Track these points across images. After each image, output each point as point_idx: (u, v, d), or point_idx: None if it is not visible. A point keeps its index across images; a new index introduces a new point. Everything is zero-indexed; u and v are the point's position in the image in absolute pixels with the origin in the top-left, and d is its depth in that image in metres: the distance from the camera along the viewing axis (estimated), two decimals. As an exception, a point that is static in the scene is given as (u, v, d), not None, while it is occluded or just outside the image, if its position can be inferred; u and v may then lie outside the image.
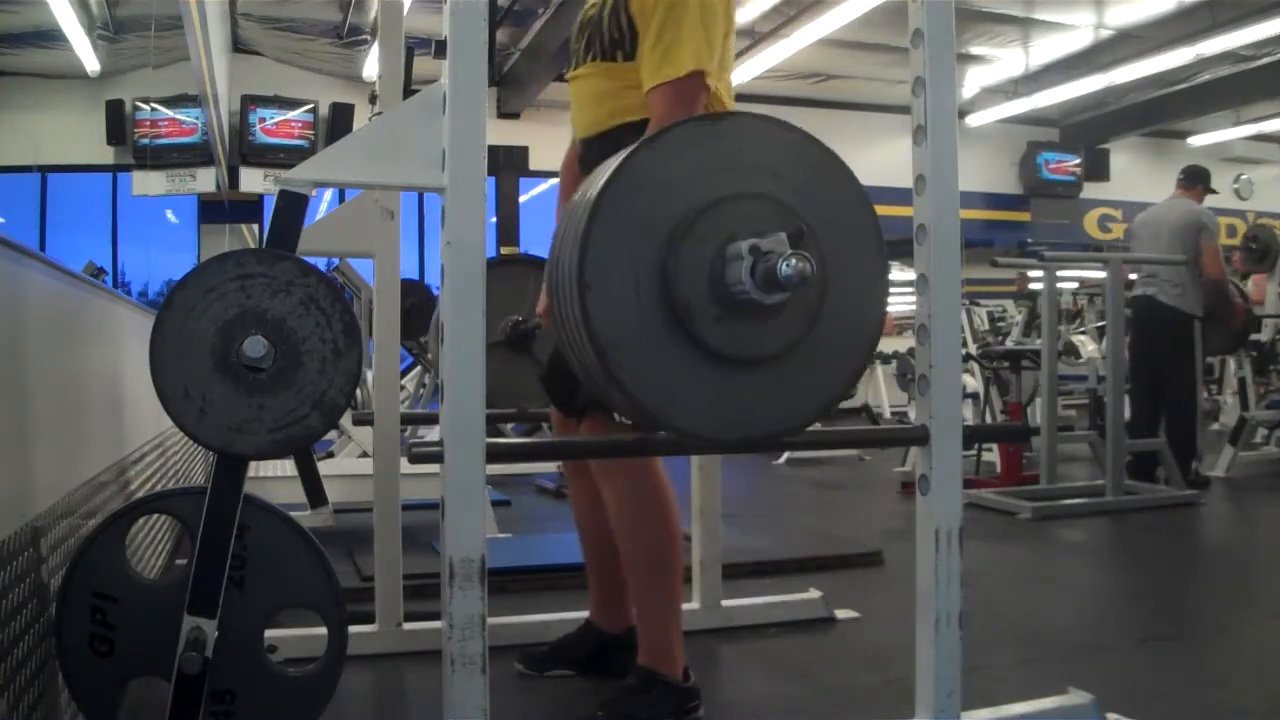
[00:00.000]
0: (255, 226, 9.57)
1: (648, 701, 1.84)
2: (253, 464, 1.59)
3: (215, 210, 9.25)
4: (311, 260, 1.57)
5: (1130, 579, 3.28)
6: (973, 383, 5.69)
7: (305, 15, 8.23)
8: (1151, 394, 4.81)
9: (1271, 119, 10.86)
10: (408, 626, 2.30)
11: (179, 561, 2.79)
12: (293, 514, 1.63)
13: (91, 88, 8.61)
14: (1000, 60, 9.54)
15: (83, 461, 1.88)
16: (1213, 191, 4.96)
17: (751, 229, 1.35)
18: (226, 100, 8.23)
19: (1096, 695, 1.75)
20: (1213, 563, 3.59)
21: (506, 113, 9.64)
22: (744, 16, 8.18)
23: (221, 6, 7.19)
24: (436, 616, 1.40)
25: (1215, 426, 7.12)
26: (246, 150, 9.00)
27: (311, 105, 9.18)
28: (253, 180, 9.08)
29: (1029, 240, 11.26)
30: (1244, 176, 12.90)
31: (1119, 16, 8.42)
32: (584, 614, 2.21)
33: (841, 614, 2.60)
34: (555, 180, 2.21)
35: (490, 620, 1.36)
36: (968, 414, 5.50)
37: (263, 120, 9.05)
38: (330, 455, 4.96)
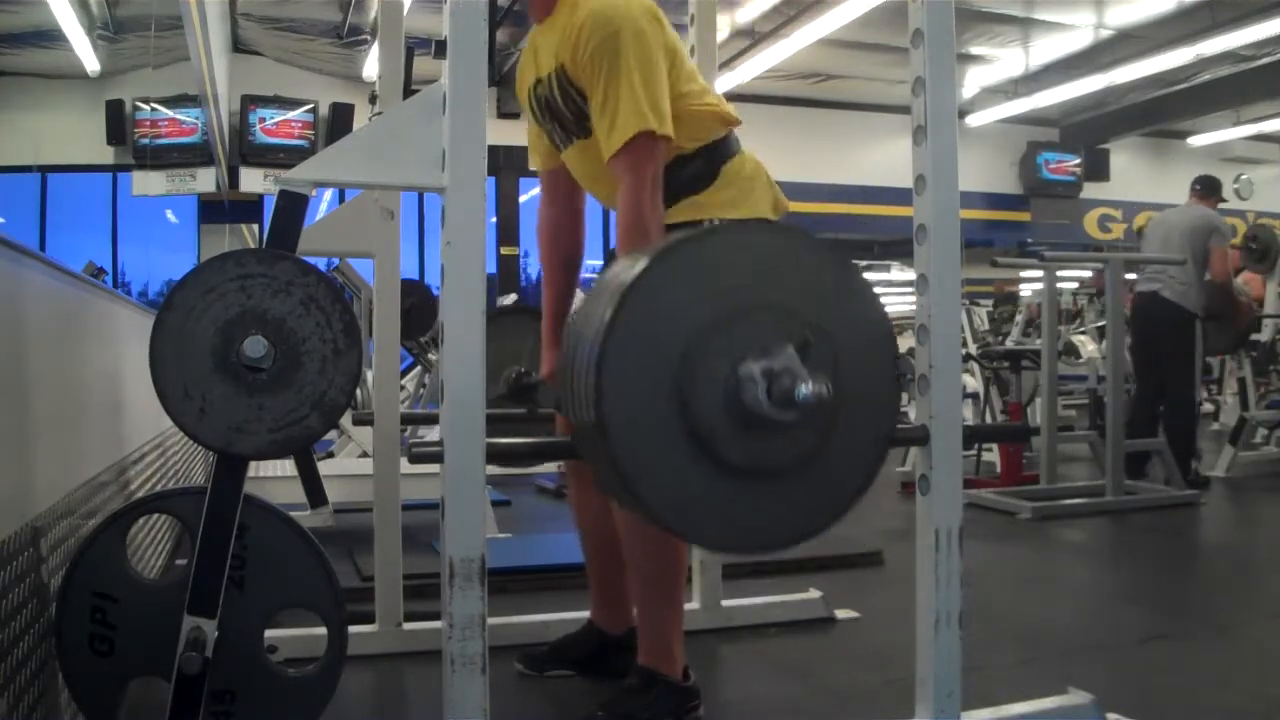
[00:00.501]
0: (255, 226, 9.58)
1: (648, 701, 1.84)
2: (253, 464, 1.58)
3: (215, 210, 9.26)
4: (311, 260, 1.57)
5: (1130, 579, 3.28)
6: (973, 383, 5.69)
7: (305, 15, 8.24)
8: (1155, 391, 4.85)
9: (1271, 119, 10.86)
10: (408, 626, 2.30)
11: (179, 561, 2.79)
12: (293, 514, 1.63)
13: (91, 88, 8.61)
14: (1000, 60, 9.55)
15: (83, 461, 1.88)
16: (1223, 201, 5.08)
17: (760, 345, 1.33)
18: (226, 100, 8.23)
19: (1096, 695, 1.75)
20: (1213, 563, 3.59)
21: (506, 113, 9.61)
22: (744, 16, 8.19)
23: (221, 6, 7.19)
24: (436, 616, 1.40)
25: (1215, 426, 7.12)
26: (246, 150, 9.00)
27: (311, 105, 9.19)
28: (253, 180, 9.08)
29: (1029, 240, 11.28)
30: (1244, 176, 12.90)
31: (1119, 16, 8.42)
32: (584, 614, 2.21)
33: (841, 614, 2.60)
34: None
35: (490, 620, 1.36)
36: (968, 414, 5.50)
37: (263, 120, 9.05)
38: (330, 455, 4.96)
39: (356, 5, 7.88)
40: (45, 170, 8.88)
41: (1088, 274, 7.74)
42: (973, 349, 5.80)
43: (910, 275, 1.58)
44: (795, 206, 2.15)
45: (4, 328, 1.39)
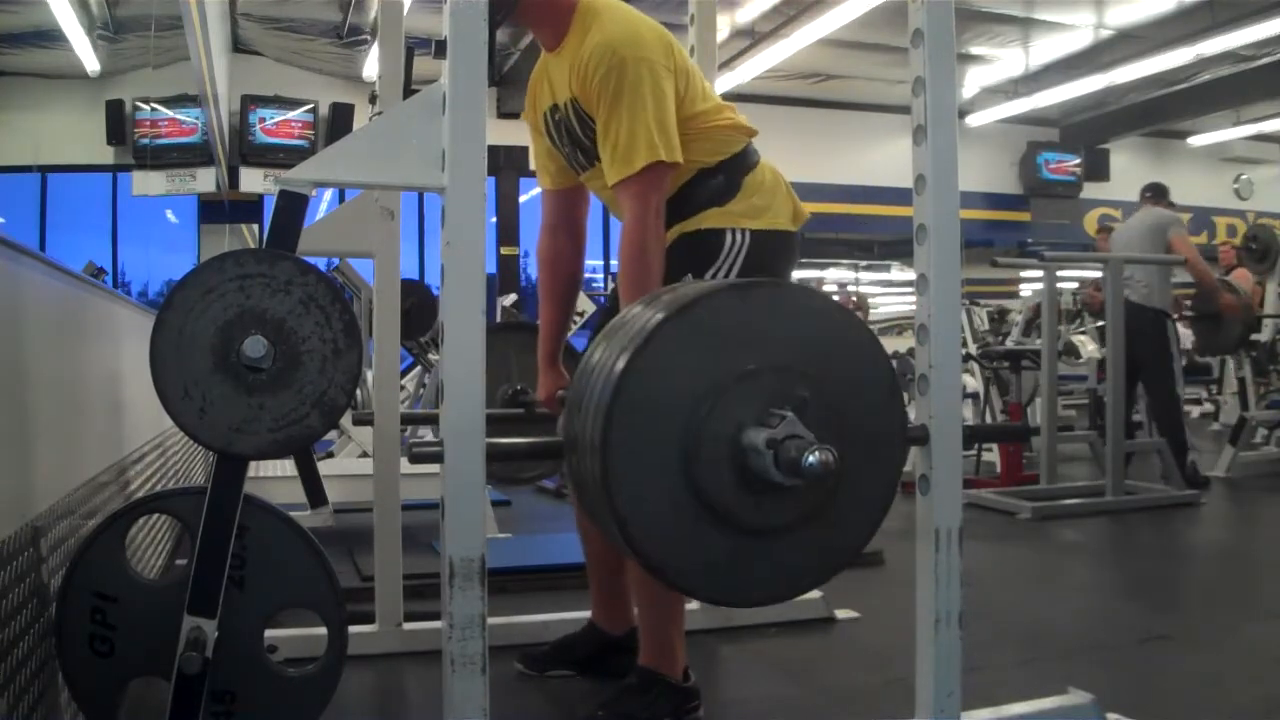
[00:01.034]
0: (255, 226, 9.58)
1: (648, 701, 1.84)
2: (253, 464, 1.58)
3: (215, 210, 9.25)
4: (311, 260, 1.57)
5: (1130, 579, 3.28)
6: (973, 383, 5.69)
7: (305, 15, 8.24)
8: (1130, 394, 4.91)
9: (1271, 119, 10.86)
10: (408, 626, 2.30)
11: (179, 561, 2.79)
12: (293, 514, 1.64)
13: (91, 88, 8.61)
14: (1000, 60, 9.54)
15: (83, 461, 1.88)
16: (1173, 205, 5.30)
17: (760, 410, 1.32)
18: (226, 100, 8.23)
19: (1096, 695, 1.75)
20: (1213, 563, 3.59)
21: (506, 113, 9.62)
22: (744, 16, 8.19)
23: (221, 6, 7.19)
24: (436, 616, 1.40)
25: (1215, 426, 7.12)
26: (246, 150, 9.00)
27: (311, 105, 9.19)
28: (253, 180, 9.08)
29: (1029, 240, 11.28)
30: (1244, 176, 12.91)
31: (1119, 16, 8.42)
32: (584, 614, 2.21)
33: (841, 614, 2.60)
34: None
35: (490, 620, 1.36)
36: (968, 414, 5.50)
37: (263, 120, 9.05)
38: (330, 455, 4.96)
39: (356, 5, 7.88)
40: (45, 170, 8.88)
41: (1088, 275, 7.73)
42: (973, 349, 5.79)
43: (910, 275, 1.58)
44: (796, 207, 2.15)
45: (4, 328, 1.39)
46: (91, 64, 8.09)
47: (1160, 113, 10.88)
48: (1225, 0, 7.67)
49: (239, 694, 1.52)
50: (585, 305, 5.26)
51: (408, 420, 3.20)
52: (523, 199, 9.89)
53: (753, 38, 8.29)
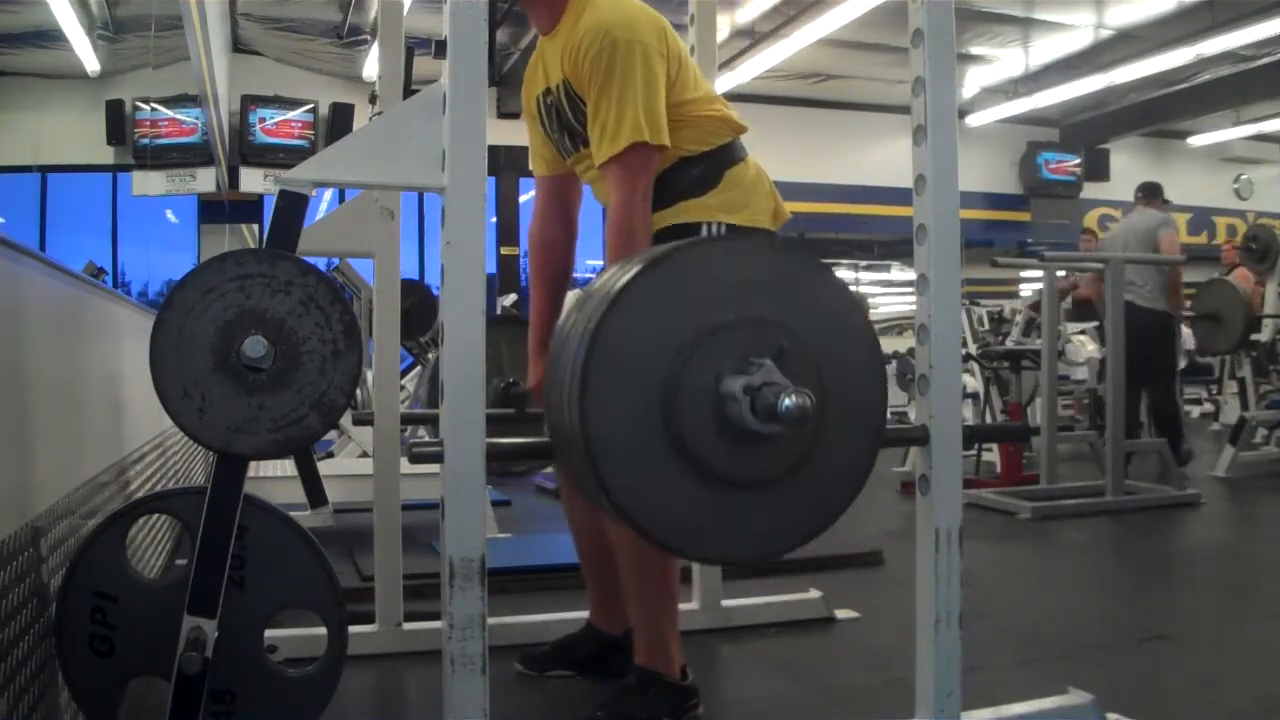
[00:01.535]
0: (255, 226, 9.58)
1: (646, 701, 1.84)
2: (253, 464, 1.58)
3: (215, 210, 9.25)
4: (311, 260, 1.57)
5: (1130, 579, 3.28)
6: (973, 383, 5.69)
7: (305, 15, 8.24)
8: (1136, 395, 5.18)
9: (1271, 119, 10.86)
10: (408, 626, 2.30)
11: (179, 561, 2.79)
12: (293, 514, 1.63)
13: (91, 88, 8.61)
14: (1000, 60, 9.54)
15: (83, 461, 1.88)
16: (1167, 202, 5.63)
17: (738, 359, 1.33)
18: (226, 100, 8.23)
19: (1096, 695, 1.75)
20: (1213, 563, 3.59)
21: (506, 113, 9.62)
22: (744, 16, 8.19)
23: (221, 6, 7.19)
24: (436, 616, 1.40)
25: (1215, 426, 7.12)
26: (246, 150, 9.00)
27: (311, 105, 9.18)
28: (253, 180, 9.08)
29: (1029, 240, 11.27)
30: (1244, 176, 12.91)
31: (1119, 16, 8.42)
32: (584, 614, 2.21)
33: (841, 614, 2.60)
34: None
35: (490, 620, 1.36)
36: (968, 414, 5.50)
37: (263, 120, 9.05)
38: (330, 455, 4.96)
39: (356, 5, 7.88)
40: (45, 170, 8.88)
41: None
42: (973, 349, 5.79)
43: (910, 275, 1.58)
44: (795, 207, 2.15)
45: (4, 328, 1.39)
46: (91, 64, 8.09)
47: (1160, 113, 10.88)
48: (1225, 0, 7.67)
49: (239, 694, 1.52)
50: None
51: (408, 420, 3.20)
52: (523, 199, 9.89)
53: (753, 38, 8.28)
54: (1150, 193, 5.55)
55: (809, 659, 2.33)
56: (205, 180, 8.86)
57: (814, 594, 2.62)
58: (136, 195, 8.85)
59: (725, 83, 8.06)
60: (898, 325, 9.74)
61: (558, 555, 3.03)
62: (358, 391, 3.55)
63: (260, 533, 1.53)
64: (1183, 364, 7.98)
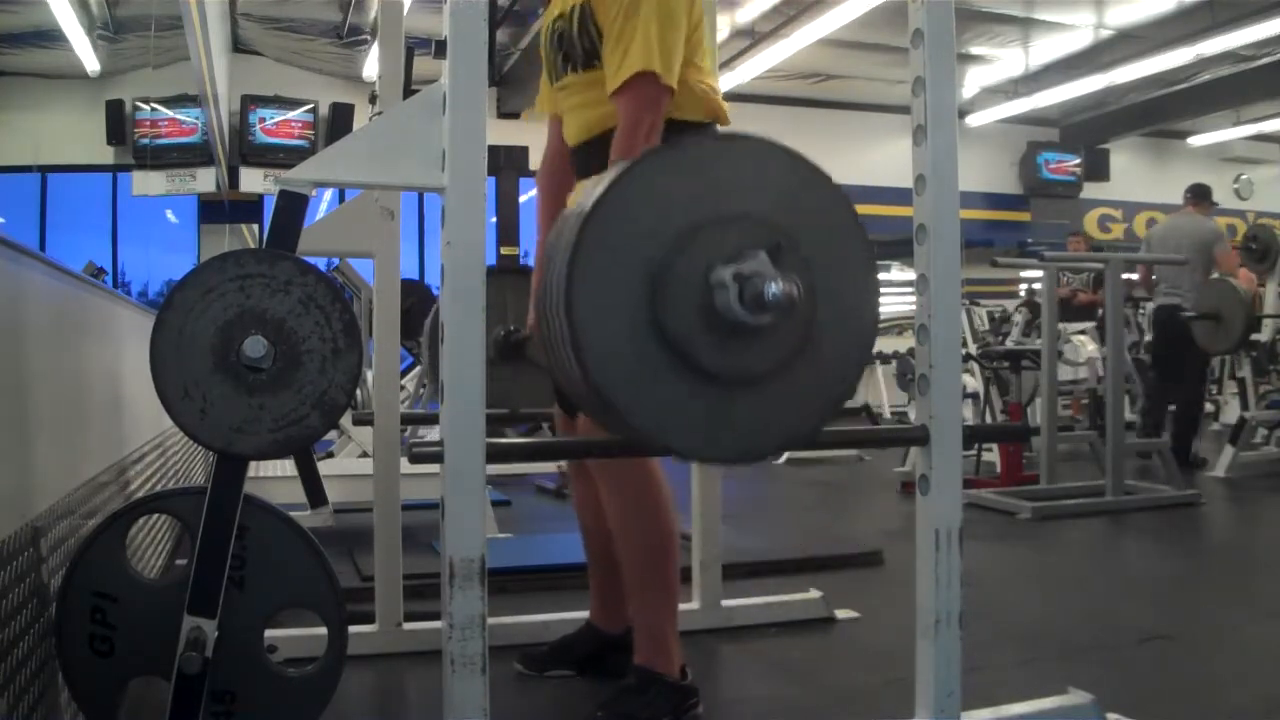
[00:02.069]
0: (255, 226, 9.57)
1: (646, 701, 1.84)
2: (253, 464, 1.58)
3: (215, 210, 9.25)
4: (311, 260, 1.57)
5: (1130, 579, 3.28)
6: (973, 383, 5.69)
7: (305, 15, 8.23)
8: (1166, 391, 5.47)
9: (1271, 119, 10.85)
10: (408, 626, 2.30)
11: (179, 561, 2.79)
12: (293, 514, 1.64)
13: (91, 88, 8.61)
14: (1000, 60, 9.54)
15: (83, 461, 1.88)
16: (1215, 205, 5.74)
17: (732, 251, 1.33)
18: (226, 100, 8.23)
19: (1096, 695, 1.75)
20: (1213, 563, 3.59)
21: (506, 113, 9.63)
22: (744, 16, 8.19)
23: (221, 6, 7.19)
24: (436, 616, 1.40)
25: (1215, 426, 7.12)
26: (246, 150, 9.00)
27: (311, 105, 9.18)
28: (253, 180, 9.07)
29: (1029, 240, 11.27)
30: (1244, 176, 12.90)
31: (1119, 16, 8.42)
32: (584, 614, 2.22)
33: (841, 614, 2.60)
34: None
35: (490, 620, 1.36)
36: (968, 414, 5.50)
37: (263, 120, 9.05)
38: (330, 455, 4.96)
39: (356, 5, 7.88)
40: (45, 170, 8.87)
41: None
42: (973, 349, 5.79)
43: (910, 275, 1.58)
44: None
45: (4, 328, 1.39)
46: (91, 64, 8.08)
47: (1160, 113, 10.87)
48: (1225, 0, 7.66)
49: (239, 694, 1.52)
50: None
51: (408, 420, 3.21)
52: (523, 199, 9.88)
53: (753, 38, 8.28)
54: (1199, 195, 5.59)
55: (809, 659, 2.33)
56: (205, 180, 8.86)
57: (814, 594, 2.62)
58: (136, 195, 8.85)
59: (725, 83, 8.06)
60: (898, 325, 9.73)
61: (558, 555, 3.04)
62: (358, 391, 3.56)
63: (260, 533, 1.53)
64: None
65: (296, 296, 1.46)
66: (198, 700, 1.44)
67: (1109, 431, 4.34)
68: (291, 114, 9.12)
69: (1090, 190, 12.04)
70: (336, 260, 4.89)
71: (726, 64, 8.33)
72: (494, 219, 9.60)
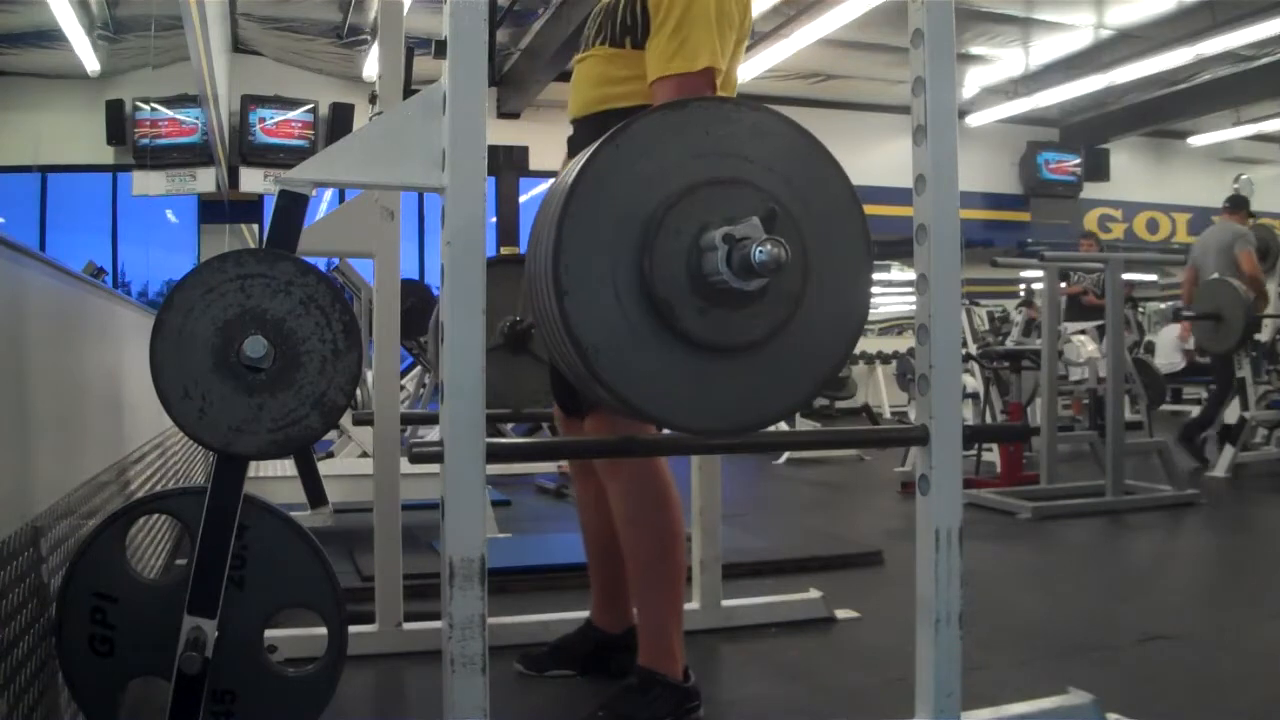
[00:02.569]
0: (255, 226, 9.58)
1: (648, 701, 1.84)
2: (253, 464, 1.58)
3: (215, 210, 9.26)
4: (311, 260, 1.57)
5: (1130, 579, 3.28)
6: (973, 383, 5.69)
7: (305, 15, 8.24)
8: (1224, 390, 5.71)
9: (1271, 119, 10.86)
10: (408, 626, 2.30)
11: (179, 561, 2.79)
12: (293, 514, 1.64)
13: (91, 88, 8.61)
14: (1000, 60, 9.55)
15: (83, 461, 1.88)
16: (1252, 215, 5.98)
17: (725, 215, 1.33)
18: (226, 100, 8.23)
19: (1096, 695, 1.75)
20: (1213, 563, 3.59)
21: (506, 113, 9.64)
22: (744, 16, 8.18)
23: (221, 6, 7.19)
24: (436, 616, 1.40)
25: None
26: (246, 150, 9.00)
27: (311, 105, 9.19)
28: (253, 180, 9.08)
29: (1029, 240, 11.27)
30: (1244, 176, 12.90)
31: (1119, 16, 8.42)
32: (584, 614, 2.21)
33: (841, 614, 2.60)
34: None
35: (490, 620, 1.36)
36: (968, 414, 5.50)
37: (263, 120, 9.05)
38: (330, 455, 4.96)
39: (356, 5, 7.88)
40: (45, 170, 8.88)
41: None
42: (973, 349, 5.79)
43: (910, 275, 1.58)
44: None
45: (4, 328, 1.39)
46: (91, 64, 8.09)
47: (1160, 113, 10.88)
48: (1225, 0, 7.67)
49: (239, 694, 1.52)
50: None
51: (408, 420, 3.20)
52: (523, 199, 9.89)
53: (753, 38, 8.25)
54: (1234, 205, 5.91)
55: (809, 659, 2.33)
56: (205, 180, 8.86)
57: (814, 594, 2.62)
58: (136, 195, 8.85)
59: (725, 83, 8.04)
60: (898, 325, 9.73)
61: (558, 555, 3.04)
62: (358, 391, 3.55)
63: (260, 533, 1.53)
64: (1182, 364, 8.02)
65: (297, 297, 1.46)
66: (198, 700, 1.44)
67: (1109, 431, 4.34)
68: (291, 114, 9.13)
69: (1090, 190, 12.05)
70: (336, 260, 4.89)
71: (727, 64, 8.33)
72: (494, 219, 9.61)
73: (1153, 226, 12.64)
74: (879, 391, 8.85)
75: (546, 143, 9.90)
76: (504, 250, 9.56)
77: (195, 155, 8.74)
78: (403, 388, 5.66)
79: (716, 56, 1.77)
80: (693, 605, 2.43)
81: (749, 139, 1.41)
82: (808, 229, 1.40)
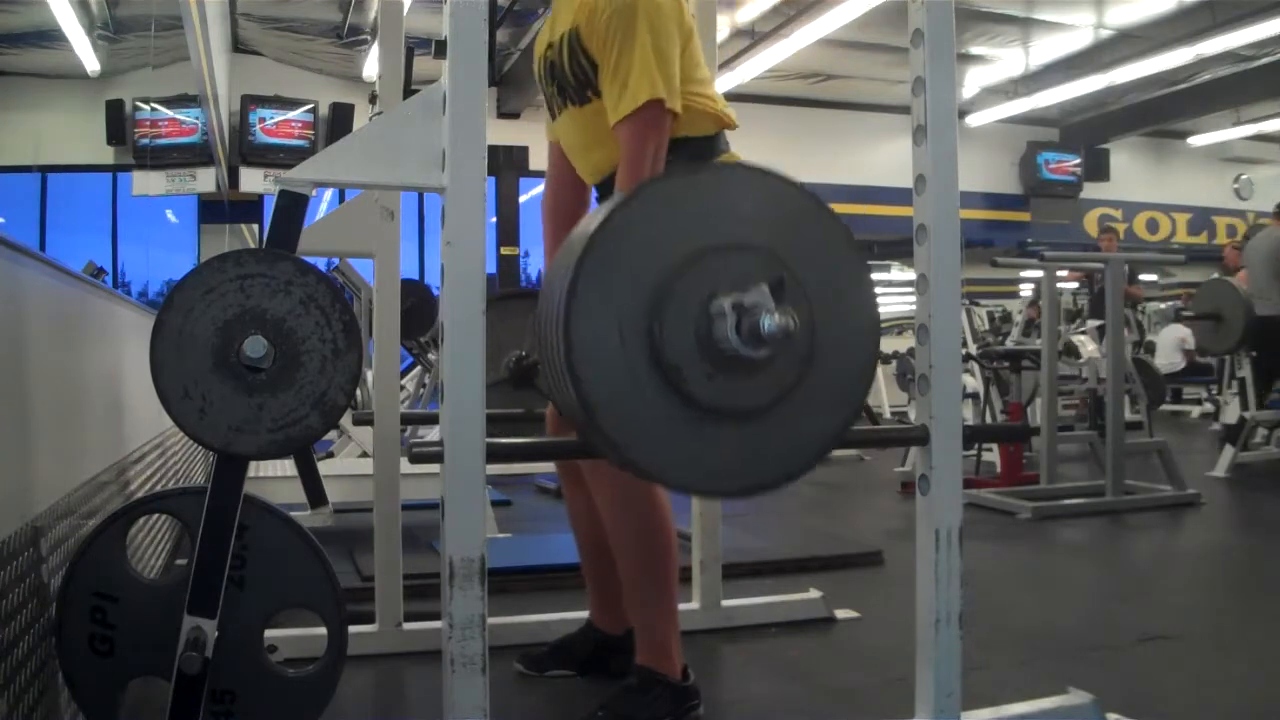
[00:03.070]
0: (255, 226, 9.58)
1: (647, 701, 1.84)
2: (253, 464, 1.58)
3: (215, 210, 9.26)
4: (311, 260, 1.57)
5: (1131, 579, 3.28)
6: (973, 383, 5.69)
7: (305, 15, 8.24)
8: (1267, 390, 5.65)
9: (1271, 119, 10.86)
10: (408, 626, 2.30)
11: (179, 561, 2.79)
12: (293, 514, 1.64)
13: (91, 88, 8.61)
14: (1000, 60, 9.55)
15: (83, 461, 1.88)
16: None
17: (733, 282, 1.32)
18: (226, 100, 8.23)
19: (1096, 695, 1.75)
20: (1213, 563, 3.59)
21: (506, 113, 9.64)
22: (744, 16, 8.19)
23: (221, 6, 7.19)
24: (436, 616, 1.40)
25: (1215, 426, 7.12)
26: (246, 150, 9.00)
27: (311, 105, 9.19)
28: (253, 180, 9.08)
29: (1029, 240, 11.28)
30: (1244, 176, 12.92)
31: (1119, 16, 8.42)
32: (584, 614, 2.21)
33: (841, 614, 2.60)
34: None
35: (490, 620, 1.36)
36: (968, 414, 5.50)
37: (263, 120, 9.05)
38: (330, 455, 4.96)
39: (356, 5, 7.88)
40: (45, 170, 8.88)
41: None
42: (973, 349, 5.79)
43: (910, 275, 1.58)
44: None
45: (4, 328, 1.39)
46: (91, 64, 8.08)
47: (1160, 113, 10.88)
48: (1225, 0, 7.67)
49: (239, 694, 1.52)
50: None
51: (408, 420, 3.20)
52: (523, 199, 9.89)
53: (753, 38, 8.28)
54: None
55: (809, 659, 2.33)
56: (205, 180, 8.86)
57: (814, 594, 2.62)
58: (136, 195, 8.86)
59: (725, 83, 8.06)
60: (898, 325, 9.73)
61: (558, 555, 3.04)
62: (358, 391, 3.55)
63: (260, 533, 1.54)
64: (1182, 364, 8.02)
65: (297, 297, 1.46)
66: (198, 700, 1.45)
67: (1109, 431, 4.34)
68: (291, 114, 9.13)
69: (1090, 190, 12.05)
70: (336, 260, 4.89)
71: (726, 64, 8.34)
72: (494, 219, 9.61)
73: (1153, 226, 12.65)
74: (879, 391, 8.83)
75: (546, 143, 9.82)
76: (504, 250, 9.57)
77: (195, 155, 8.74)
78: (403, 388, 5.66)
79: (656, 86, 1.76)
80: (693, 605, 2.43)
81: (758, 204, 1.40)
82: (815, 292, 1.39)
